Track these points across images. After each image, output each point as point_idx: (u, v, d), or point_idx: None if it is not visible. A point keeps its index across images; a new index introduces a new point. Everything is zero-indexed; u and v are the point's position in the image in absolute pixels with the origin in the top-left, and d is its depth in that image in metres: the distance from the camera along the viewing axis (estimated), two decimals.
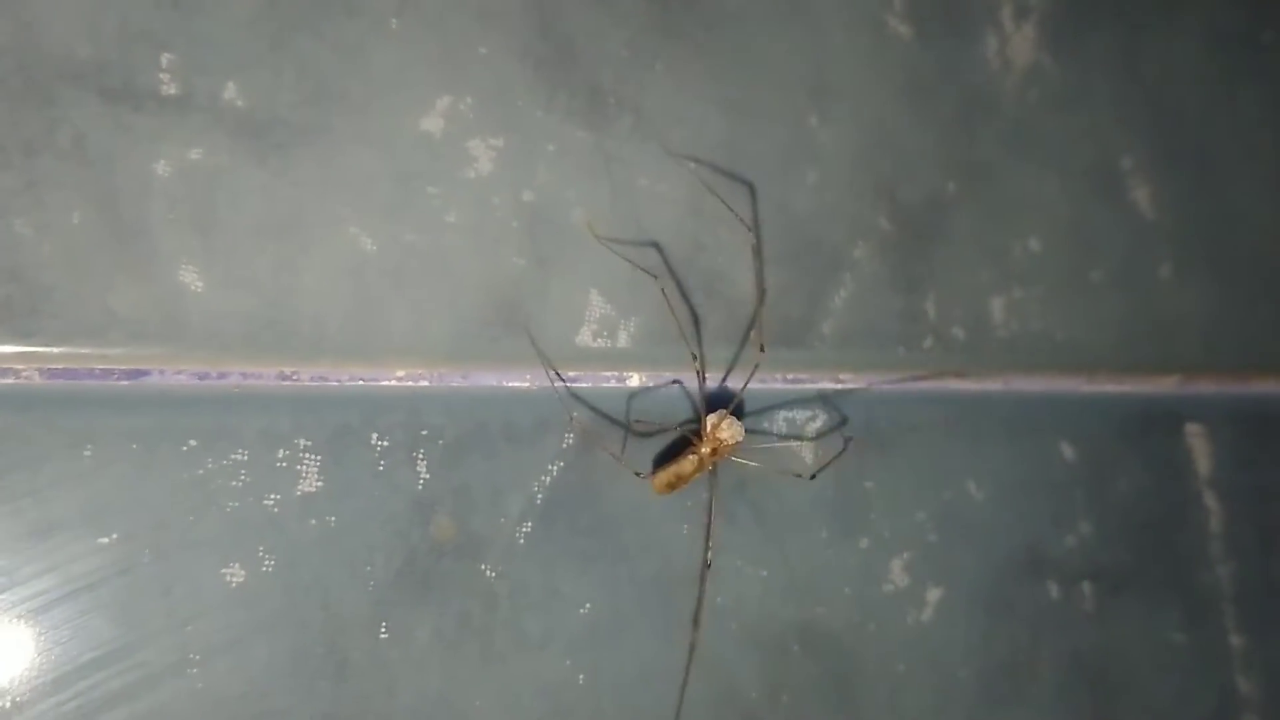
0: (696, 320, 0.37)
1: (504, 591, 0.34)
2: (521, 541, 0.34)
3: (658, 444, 0.36)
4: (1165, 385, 0.44)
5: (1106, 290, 0.43)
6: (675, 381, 0.36)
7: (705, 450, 0.34)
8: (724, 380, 0.37)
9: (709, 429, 0.34)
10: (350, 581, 0.32)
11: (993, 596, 0.40)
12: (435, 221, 0.34)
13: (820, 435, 0.38)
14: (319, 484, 0.32)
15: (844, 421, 0.38)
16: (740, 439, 0.34)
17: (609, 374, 0.36)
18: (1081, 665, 0.41)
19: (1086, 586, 0.41)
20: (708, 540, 0.36)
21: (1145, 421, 0.43)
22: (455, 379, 0.34)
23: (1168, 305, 0.44)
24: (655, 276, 0.36)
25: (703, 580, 0.35)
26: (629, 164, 0.36)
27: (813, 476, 0.37)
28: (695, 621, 0.35)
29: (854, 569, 0.38)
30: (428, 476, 0.33)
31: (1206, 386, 0.44)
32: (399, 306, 0.33)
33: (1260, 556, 0.44)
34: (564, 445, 0.35)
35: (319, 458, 0.32)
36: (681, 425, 0.36)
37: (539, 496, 0.34)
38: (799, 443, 0.38)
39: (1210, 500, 0.44)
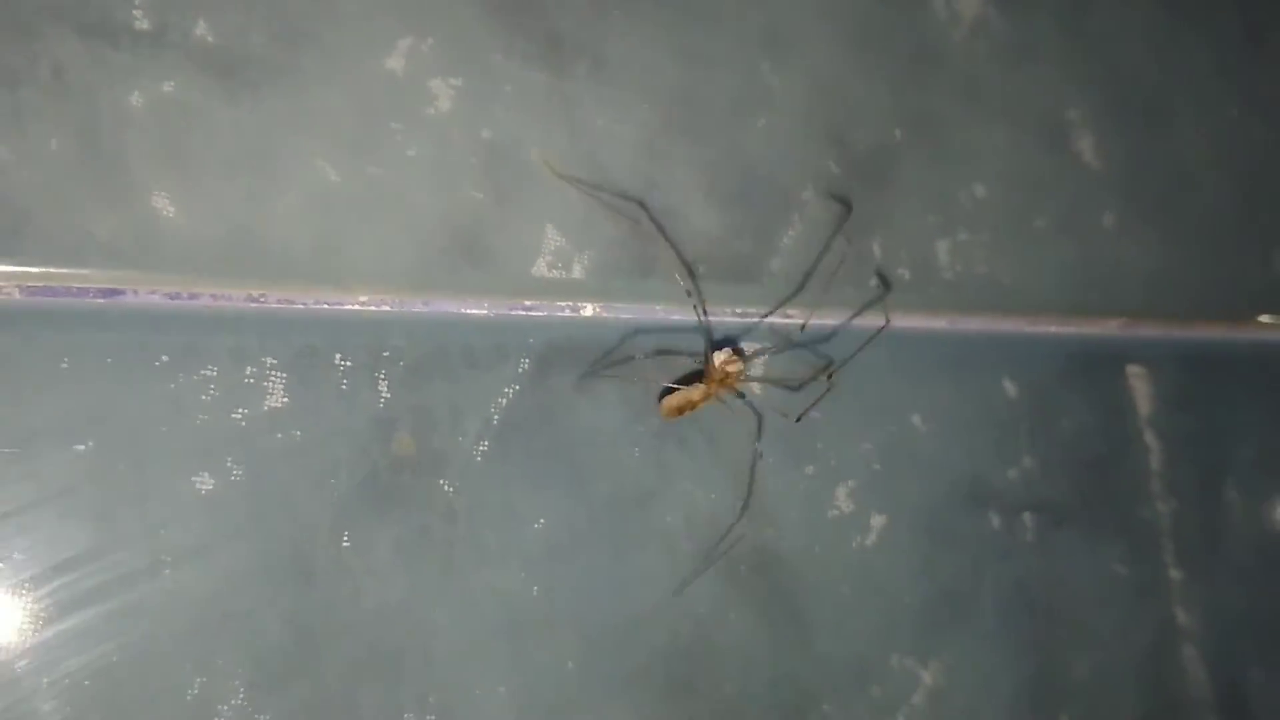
0: (690, 261, 0.39)
1: (462, 507, 0.35)
2: (479, 460, 0.36)
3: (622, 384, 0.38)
4: (1108, 328, 0.45)
5: (1051, 236, 0.44)
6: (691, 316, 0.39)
7: (713, 382, 0.37)
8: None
9: (716, 363, 0.37)
10: (314, 493, 0.34)
11: (936, 525, 0.41)
12: (397, 156, 0.36)
13: (810, 379, 0.40)
14: (285, 400, 0.34)
15: (830, 363, 0.40)
16: (743, 372, 0.37)
17: (563, 304, 0.37)
18: (1023, 594, 0.42)
19: (1028, 518, 0.43)
20: (758, 435, 0.39)
21: (1087, 362, 0.45)
22: (416, 305, 0.36)
23: (1111, 252, 0.45)
24: (637, 220, 0.38)
25: (753, 470, 0.39)
26: (586, 106, 0.38)
27: (798, 419, 0.39)
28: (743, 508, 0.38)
29: (801, 494, 0.40)
30: (389, 396, 0.35)
31: (1148, 330, 0.46)
32: (363, 235, 0.35)
33: (1199, 494, 0.46)
34: (520, 370, 0.37)
35: (285, 375, 0.34)
36: (692, 357, 0.38)
37: (495, 418, 0.36)
38: (748, 380, 0.40)
39: (1150, 439, 0.45)
